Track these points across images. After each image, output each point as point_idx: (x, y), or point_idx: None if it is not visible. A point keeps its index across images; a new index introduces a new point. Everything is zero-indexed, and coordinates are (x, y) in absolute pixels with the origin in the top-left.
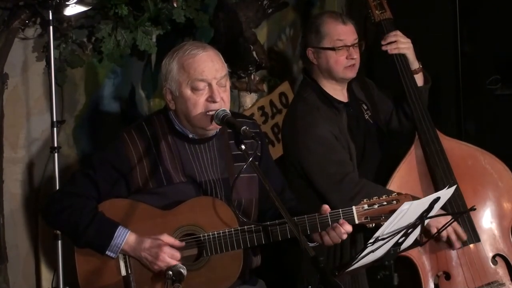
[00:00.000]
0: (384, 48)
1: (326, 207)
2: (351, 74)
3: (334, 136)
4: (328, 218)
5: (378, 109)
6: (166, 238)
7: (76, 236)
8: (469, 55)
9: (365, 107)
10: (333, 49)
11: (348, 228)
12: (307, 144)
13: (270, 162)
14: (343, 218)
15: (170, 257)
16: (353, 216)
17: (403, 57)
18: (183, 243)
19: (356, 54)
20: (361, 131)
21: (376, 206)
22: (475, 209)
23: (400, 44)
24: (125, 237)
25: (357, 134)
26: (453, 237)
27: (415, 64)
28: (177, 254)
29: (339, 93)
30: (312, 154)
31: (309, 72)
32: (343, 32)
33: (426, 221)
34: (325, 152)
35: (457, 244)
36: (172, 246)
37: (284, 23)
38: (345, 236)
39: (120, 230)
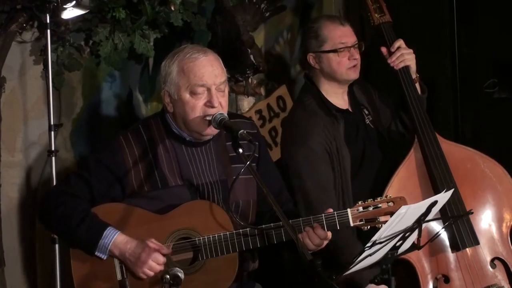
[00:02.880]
0: (391, 64)
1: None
2: (355, 74)
3: (326, 151)
4: (323, 220)
5: (379, 114)
6: (152, 243)
7: (67, 235)
8: (467, 59)
9: (367, 112)
10: (335, 51)
11: (321, 232)
12: (297, 156)
13: (269, 163)
14: (338, 220)
15: (153, 260)
16: (348, 218)
17: (406, 68)
18: (170, 250)
19: (357, 55)
20: (360, 137)
21: (371, 208)
22: (472, 213)
23: (406, 56)
24: (113, 238)
25: (355, 141)
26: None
27: (413, 75)
28: (161, 258)
29: (340, 98)
30: (297, 165)
31: (310, 77)
32: (343, 34)
33: (424, 225)
34: (311, 170)
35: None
36: (158, 251)
37: (281, 27)
38: (319, 241)
39: (109, 230)
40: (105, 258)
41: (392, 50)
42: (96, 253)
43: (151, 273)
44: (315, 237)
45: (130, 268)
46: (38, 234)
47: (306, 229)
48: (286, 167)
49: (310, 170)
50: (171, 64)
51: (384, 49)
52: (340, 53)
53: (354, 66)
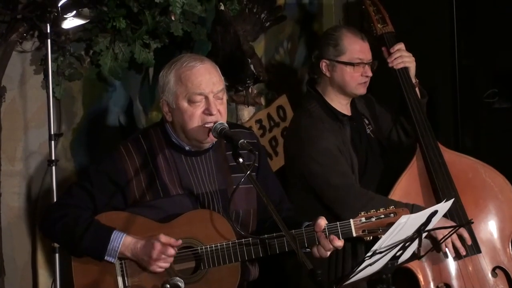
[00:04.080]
0: (390, 63)
1: (320, 224)
2: (363, 90)
3: (338, 149)
4: (326, 231)
5: (379, 124)
6: (162, 236)
7: (73, 245)
8: (467, 69)
9: (367, 122)
10: (351, 64)
11: (339, 243)
12: (312, 156)
13: (268, 172)
14: (340, 230)
15: (165, 254)
16: (351, 229)
17: (405, 70)
18: (180, 241)
19: (370, 72)
20: (363, 145)
21: (373, 219)
22: (472, 223)
23: (405, 58)
24: (121, 240)
25: (359, 147)
26: (458, 244)
27: (413, 79)
28: (172, 250)
29: (344, 107)
30: (317, 165)
31: (314, 84)
32: (362, 50)
33: (424, 235)
34: (330, 164)
35: (463, 251)
36: (169, 245)
37: (281, 37)
38: (328, 253)
39: (116, 234)
40: (114, 261)
41: (392, 51)
42: (106, 257)
43: (167, 266)
44: (328, 249)
45: (145, 266)
46: (38, 243)
47: (330, 238)
48: (303, 173)
49: (334, 168)
50: (168, 74)
51: (385, 50)
52: (356, 67)
53: (365, 83)
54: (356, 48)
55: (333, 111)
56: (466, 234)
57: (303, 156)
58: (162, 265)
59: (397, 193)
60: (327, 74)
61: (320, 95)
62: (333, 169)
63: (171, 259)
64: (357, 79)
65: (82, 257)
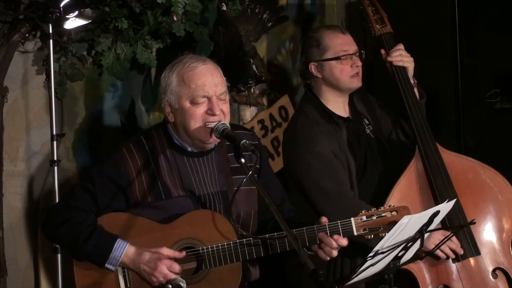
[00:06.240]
0: (389, 59)
1: (325, 219)
2: (358, 83)
3: (333, 154)
4: (327, 230)
5: (380, 123)
6: (166, 250)
7: (76, 249)
8: (469, 69)
9: (367, 122)
10: (337, 58)
11: (343, 242)
12: (306, 159)
13: (270, 173)
14: (341, 229)
15: (168, 268)
16: (352, 227)
17: (403, 70)
18: (183, 253)
19: (359, 62)
20: (362, 145)
21: (374, 218)
22: (474, 223)
23: (404, 57)
24: (124, 250)
25: (357, 149)
26: (447, 250)
27: (411, 80)
28: (176, 266)
29: (341, 107)
30: (310, 169)
31: (311, 87)
32: (345, 42)
33: (426, 235)
34: (323, 169)
35: (452, 256)
36: (172, 258)
37: (284, 37)
38: (335, 252)
39: (119, 243)
40: (114, 269)
41: (391, 51)
42: (106, 265)
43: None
44: (332, 249)
45: (145, 278)
46: (40, 243)
47: (334, 237)
48: (296, 176)
49: (327, 173)
50: (170, 75)
51: (383, 52)
52: (343, 60)
53: (357, 74)
54: (338, 42)
55: (328, 113)
56: (453, 244)
57: (297, 158)
58: (163, 281)
59: (396, 195)
60: (318, 75)
61: (316, 97)
62: (326, 174)
63: (175, 275)
64: (347, 72)
65: (83, 261)
